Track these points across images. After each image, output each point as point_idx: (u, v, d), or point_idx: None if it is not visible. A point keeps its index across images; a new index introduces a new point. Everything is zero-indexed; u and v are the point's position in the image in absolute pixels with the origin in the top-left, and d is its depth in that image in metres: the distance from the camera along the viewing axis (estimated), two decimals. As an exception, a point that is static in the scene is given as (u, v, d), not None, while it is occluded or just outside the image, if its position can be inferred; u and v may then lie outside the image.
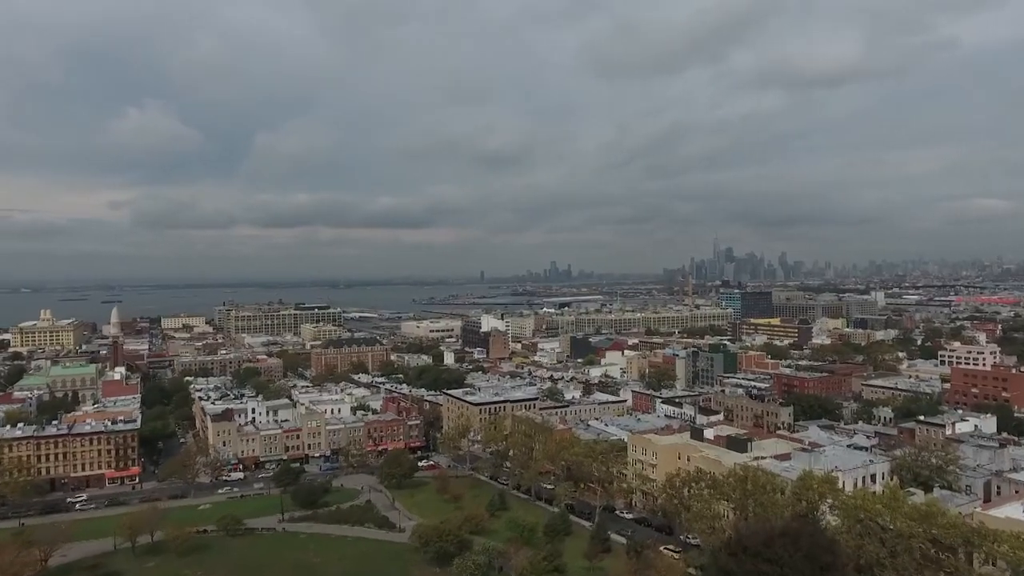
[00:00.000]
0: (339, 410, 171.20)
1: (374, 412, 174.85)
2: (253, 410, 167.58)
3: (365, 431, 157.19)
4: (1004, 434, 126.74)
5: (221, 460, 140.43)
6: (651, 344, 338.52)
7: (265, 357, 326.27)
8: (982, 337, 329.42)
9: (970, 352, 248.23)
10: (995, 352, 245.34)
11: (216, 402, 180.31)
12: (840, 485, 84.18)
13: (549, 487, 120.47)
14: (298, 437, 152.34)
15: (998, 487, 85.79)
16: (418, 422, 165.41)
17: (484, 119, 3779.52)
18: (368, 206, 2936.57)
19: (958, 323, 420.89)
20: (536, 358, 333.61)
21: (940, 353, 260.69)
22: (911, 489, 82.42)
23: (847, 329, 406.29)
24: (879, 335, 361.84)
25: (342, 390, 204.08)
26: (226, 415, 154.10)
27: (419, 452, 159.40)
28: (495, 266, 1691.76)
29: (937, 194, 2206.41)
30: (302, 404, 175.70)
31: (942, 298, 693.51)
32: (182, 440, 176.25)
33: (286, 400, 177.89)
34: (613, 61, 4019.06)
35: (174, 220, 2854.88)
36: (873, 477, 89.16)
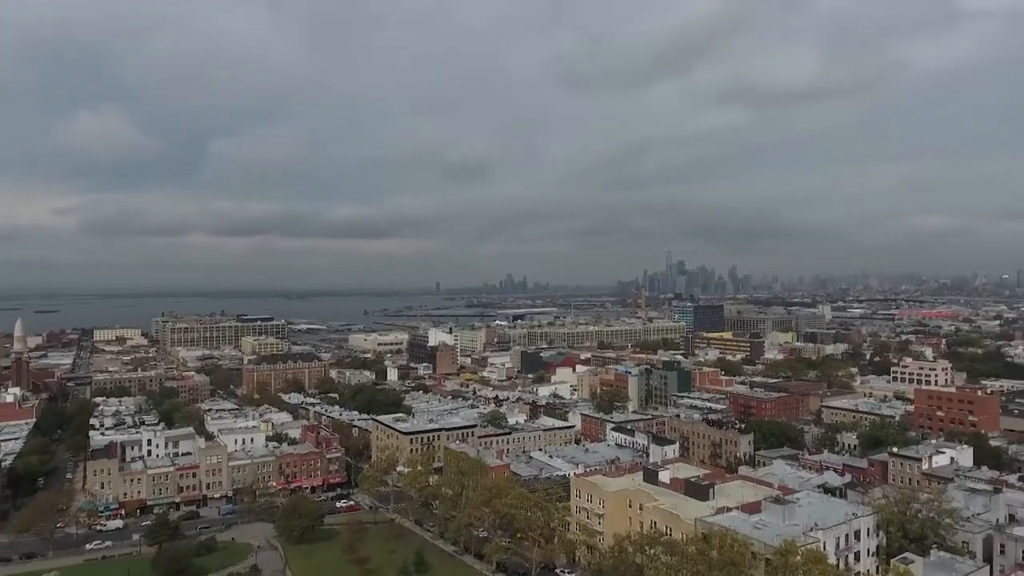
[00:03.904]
0: (251, 440, 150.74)
1: (292, 442, 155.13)
2: (149, 441, 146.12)
3: (276, 466, 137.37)
4: (984, 468, 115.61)
5: (95, 506, 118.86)
6: (604, 359, 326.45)
7: (192, 374, 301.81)
8: (929, 352, 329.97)
9: (922, 368, 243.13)
10: (947, 368, 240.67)
11: (107, 431, 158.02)
12: (822, 547, 69.73)
13: (483, 534, 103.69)
14: (195, 475, 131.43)
15: (1001, 545, 72.63)
16: (339, 455, 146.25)
17: (450, 130, 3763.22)
18: (329, 215, 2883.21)
19: (903, 337, 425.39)
20: (485, 373, 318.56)
21: (892, 369, 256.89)
22: (908, 555, 68.38)
23: (798, 343, 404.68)
24: (829, 349, 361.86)
25: (260, 415, 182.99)
26: (107, 450, 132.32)
27: (339, 490, 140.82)
28: (452, 277, 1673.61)
29: (884, 211, 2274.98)
30: (217, 433, 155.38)
31: (885, 312, 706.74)
32: (69, 476, 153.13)
33: (190, 430, 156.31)
34: (581, 74, 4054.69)
35: (125, 227, 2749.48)
36: (857, 534, 75.03)
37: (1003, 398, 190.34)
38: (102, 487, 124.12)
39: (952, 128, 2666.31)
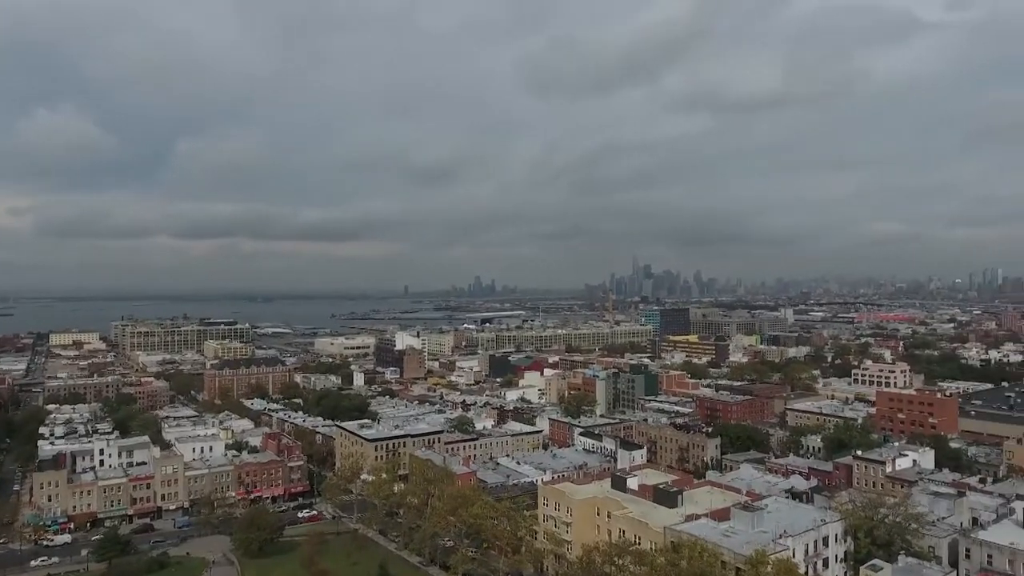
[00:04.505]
0: (209, 449, 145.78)
1: (253, 451, 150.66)
2: (101, 451, 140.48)
3: (235, 476, 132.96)
4: (945, 470, 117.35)
5: (41, 520, 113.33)
6: (571, 362, 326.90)
7: (151, 380, 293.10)
8: (887, 354, 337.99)
9: (882, 371, 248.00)
10: (905, 371, 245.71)
11: (57, 441, 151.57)
12: (791, 554, 69.25)
13: (449, 544, 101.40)
14: (149, 486, 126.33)
15: (966, 550, 73.01)
16: (301, 463, 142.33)
17: (418, 132, 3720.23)
18: (296, 218, 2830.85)
19: (863, 339, 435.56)
20: (453, 377, 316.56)
21: (853, 371, 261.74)
22: (876, 563, 68.22)
23: (762, 346, 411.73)
24: (792, 352, 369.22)
25: (220, 423, 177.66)
26: (55, 461, 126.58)
27: (301, 499, 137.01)
28: (420, 281, 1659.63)
29: (843, 217, 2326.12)
30: (174, 441, 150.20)
31: (845, 315, 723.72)
32: (16, 489, 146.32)
33: (145, 438, 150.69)
34: (549, 78, 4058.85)
35: (85, 228, 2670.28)
36: (825, 541, 74.81)
37: (960, 400, 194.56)
38: (49, 500, 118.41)
39: (909, 137, 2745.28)
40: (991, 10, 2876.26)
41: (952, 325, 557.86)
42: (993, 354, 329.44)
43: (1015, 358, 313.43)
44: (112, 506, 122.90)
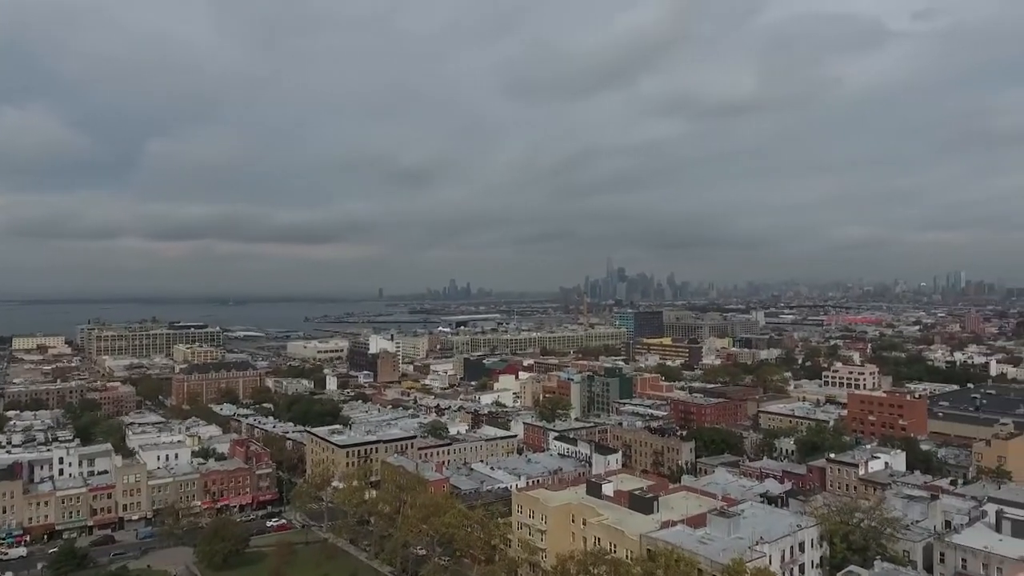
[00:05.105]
0: (175, 456, 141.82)
1: (220, 458, 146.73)
2: (61, 460, 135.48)
3: (201, 484, 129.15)
4: (917, 472, 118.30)
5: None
6: (546, 365, 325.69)
7: (117, 385, 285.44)
8: (856, 356, 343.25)
9: (852, 373, 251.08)
10: (874, 373, 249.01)
11: (14, 449, 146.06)
12: (768, 560, 68.52)
13: (421, 552, 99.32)
14: (110, 496, 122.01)
15: (941, 554, 73.00)
16: (270, 470, 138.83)
17: (397, 134, 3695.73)
18: (271, 220, 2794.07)
19: (832, 342, 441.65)
20: (427, 381, 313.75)
21: (824, 374, 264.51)
22: (853, 569, 67.81)
23: (734, 349, 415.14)
24: (763, 354, 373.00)
25: (187, 429, 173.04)
26: (11, 470, 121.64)
27: (270, 508, 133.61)
28: (396, 283, 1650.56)
29: (813, 221, 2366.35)
30: (138, 449, 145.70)
31: (814, 317, 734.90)
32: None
33: (107, 446, 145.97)
34: (528, 82, 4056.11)
35: (54, 229, 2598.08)
36: (801, 546, 74.29)
37: (928, 401, 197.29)
38: (4, 511, 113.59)
39: (877, 143, 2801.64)
40: (956, 21, 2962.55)
41: (918, 327, 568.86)
42: (958, 356, 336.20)
43: (979, 360, 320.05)
44: (71, 517, 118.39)
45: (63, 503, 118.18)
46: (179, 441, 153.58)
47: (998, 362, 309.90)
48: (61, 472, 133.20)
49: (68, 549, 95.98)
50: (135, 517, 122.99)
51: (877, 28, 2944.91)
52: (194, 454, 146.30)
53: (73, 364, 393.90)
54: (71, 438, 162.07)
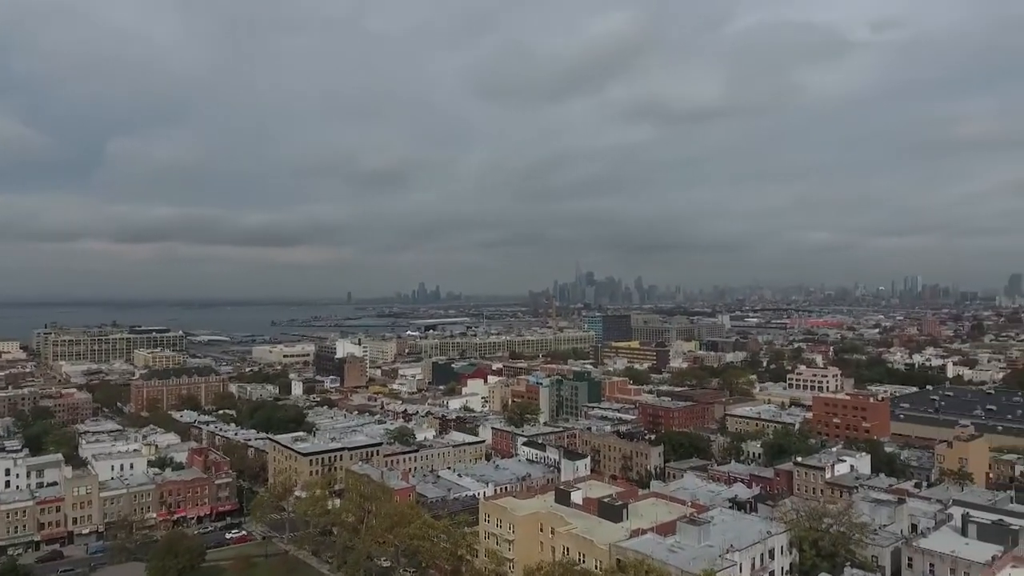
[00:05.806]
0: (130, 467, 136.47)
1: (178, 467, 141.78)
2: (7, 471, 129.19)
3: (157, 496, 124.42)
4: (881, 475, 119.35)
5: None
6: (515, 369, 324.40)
7: (73, 391, 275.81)
8: (819, 359, 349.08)
9: (815, 375, 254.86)
10: (837, 375, 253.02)
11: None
12: (738, 569, 67.72)
13: (386, 564, 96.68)
14: (59, 509, 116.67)
15: (909, 559, 73.06)
16: (229, 480, 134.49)
17: (365, 137, 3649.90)
18: (238, 222, 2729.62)
19: (796, 345, 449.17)
20: (395, 386, 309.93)
21: (788, 376, 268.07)
22: (823, 576, 67.47)
23: (701, 352, 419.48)
24: (729, 357, 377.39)
25: (144, 437, 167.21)
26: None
27: (229, 519, 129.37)
28: (364, 287, 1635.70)
29: (777, 226, 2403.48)
30: (90, 459, 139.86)
31: (778, 321, 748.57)
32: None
33: (58, 456, 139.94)
34: (498, 86, 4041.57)
35: (10, 231, 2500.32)
36: (772, 553, 73.75)
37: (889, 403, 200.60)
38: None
39: (839, 150, 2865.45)
40: (914, 32, 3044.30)
41: (877, 331, 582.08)
42: (916, 358, 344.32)
43: (936, 362, 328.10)
44: (16, 532, 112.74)
45: (8, 517, 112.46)
46: (135, 450, 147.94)
47: (954, 364, 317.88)
48: (7, 484, 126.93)
49: (10, 566, 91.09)
50: (86, 531, 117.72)
51: (837, 39, 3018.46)
52: (150, 464, 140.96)
53: (27, 370, 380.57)
54: (19, 448, 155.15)
